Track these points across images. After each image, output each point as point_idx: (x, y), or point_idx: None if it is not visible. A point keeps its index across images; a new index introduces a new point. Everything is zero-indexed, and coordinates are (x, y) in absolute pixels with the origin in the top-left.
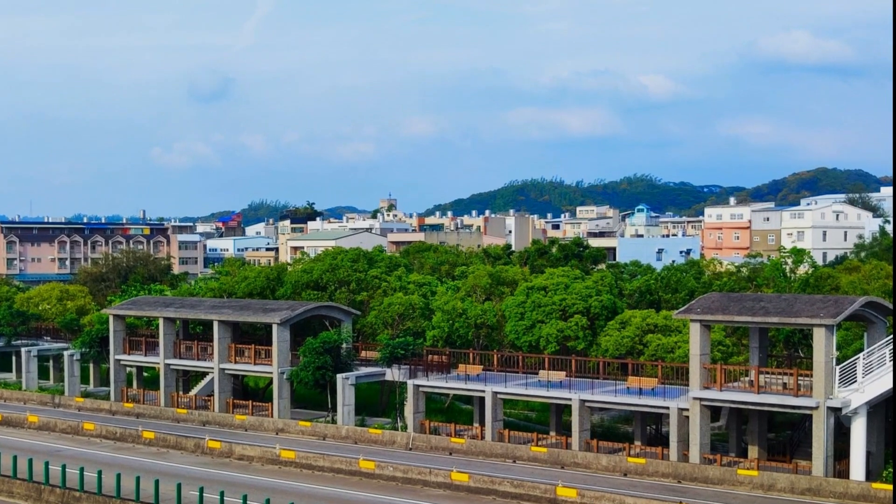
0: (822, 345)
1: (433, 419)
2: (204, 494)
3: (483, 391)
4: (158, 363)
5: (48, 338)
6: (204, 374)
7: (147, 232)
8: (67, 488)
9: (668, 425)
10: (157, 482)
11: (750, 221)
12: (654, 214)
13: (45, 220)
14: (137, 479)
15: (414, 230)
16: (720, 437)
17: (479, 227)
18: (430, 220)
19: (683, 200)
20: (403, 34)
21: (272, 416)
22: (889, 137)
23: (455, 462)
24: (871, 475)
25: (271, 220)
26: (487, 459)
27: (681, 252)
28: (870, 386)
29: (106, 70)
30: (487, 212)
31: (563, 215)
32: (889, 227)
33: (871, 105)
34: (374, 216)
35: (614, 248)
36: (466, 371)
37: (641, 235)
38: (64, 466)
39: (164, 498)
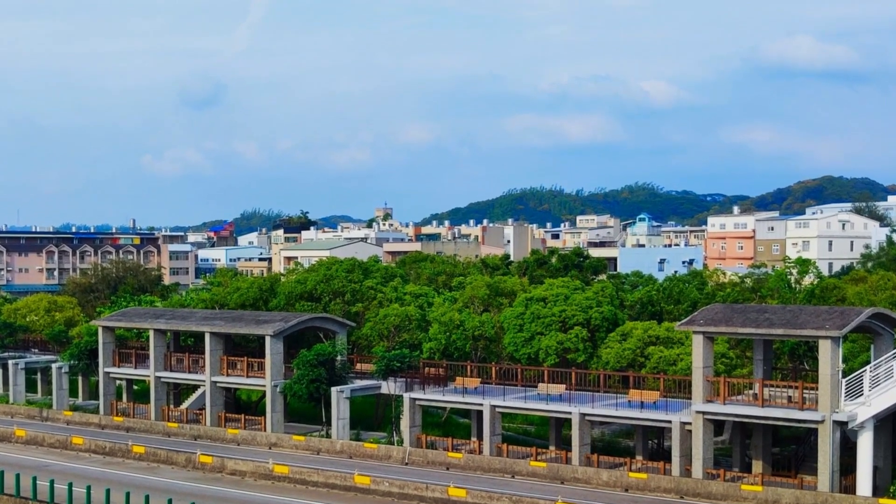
0: (828, 357)
1: (430, 433)
2: None
3: (481, 405)
4: (149, 376)
5: (36, 350)
6: (195, 387)
7: (137, 242)
8: None
9: (670, 440)
10: (147, 498)
11: (754, 231)
12: (655, 224)
13: (33, 230)
14: (127, 494)
15: (410, 240)
16: (723, 452)
17: (476, 237)
18: (426, 230)
19: (686, 209)
20: (400, 39)
21: (265, 430)
22: None
23: (452, 477)
24: (877, 490)
25: (264, 230)
26: (485, 474)
27: (683, 262)
28: (876, 399)
29: (95, 75)
30: (485, 221)
31: (562, 224)
32: None
33: (878, 112)
34: (369, 225)
35: (615, 259)
36: (464, 384)
37: (643, 245)
38: (52, 482)
39: None
